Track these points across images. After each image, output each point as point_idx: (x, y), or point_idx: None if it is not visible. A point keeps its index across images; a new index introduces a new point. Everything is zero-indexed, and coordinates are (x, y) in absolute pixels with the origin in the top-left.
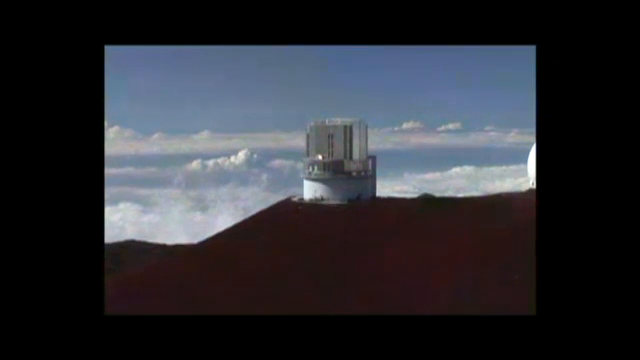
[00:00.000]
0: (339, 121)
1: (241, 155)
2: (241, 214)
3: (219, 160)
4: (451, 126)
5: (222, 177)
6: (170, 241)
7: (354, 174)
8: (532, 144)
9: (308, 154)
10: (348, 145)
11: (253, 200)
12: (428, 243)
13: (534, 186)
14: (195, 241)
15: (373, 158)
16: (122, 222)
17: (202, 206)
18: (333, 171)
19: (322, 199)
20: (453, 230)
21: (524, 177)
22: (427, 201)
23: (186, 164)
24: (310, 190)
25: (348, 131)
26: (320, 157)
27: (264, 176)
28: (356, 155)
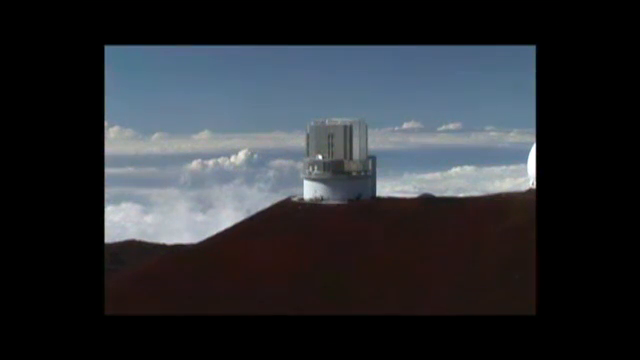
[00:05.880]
0: (339, 121)
1: (241, 155)
2: (244, 214)
3: (219, 160)
4: (451, 126)
5: (226, 176)
6: (173, 241)
7: (354, 174)
8: (532, 144)
9: (308, 154)
10: (348, 145)
11: (257, 199)
12: (428, 243)
13: (534, 186)
14: (197, 241)
15: (373, 158)
16: (124, 222)
17: (203, 206)
18: (333, 171)
19: (322, 199)
20: (453, 230)
21: (524, 177)
22: (427, 201)
23: (186, 164)
24: (310, 190)
25: (348, 131)
26: (320, 157)
27: (270, 173)
28: (356, 155)
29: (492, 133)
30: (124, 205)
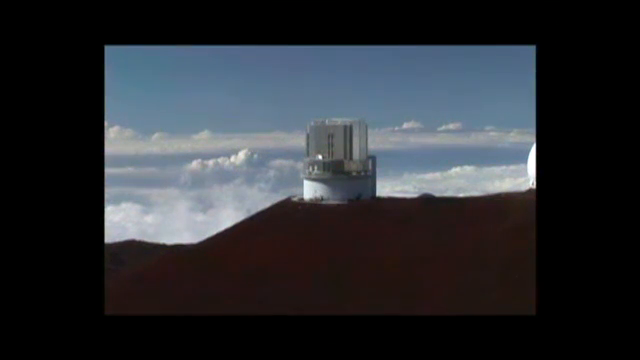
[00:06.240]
0: (339, 121)
1: (241, 155)
2: (244, 214)
3: (219, 160)
4: (451, 126)
5: (226, 176)
6: (173, 241)
7: (354, 174)
8: (532, 144)
9: (308, 154)
10: (348, 145)
11: (257, 199)
12: (428, 243)
13: (534, 186)
14: (197, 241)
15: (373, 158)
16: (124, 222)
17: (204, 206)
18: (333, 171)
19: (322, 199)
20: (453, 230)
21: (524, 177)
22: (427, 201)
23: (186, 164)
24: (310, 190)
25: (348, 131)
26: (320, 157)
27: (271, 173)
28: (356, 155)
29: (492, 133)
30: (124, 205)
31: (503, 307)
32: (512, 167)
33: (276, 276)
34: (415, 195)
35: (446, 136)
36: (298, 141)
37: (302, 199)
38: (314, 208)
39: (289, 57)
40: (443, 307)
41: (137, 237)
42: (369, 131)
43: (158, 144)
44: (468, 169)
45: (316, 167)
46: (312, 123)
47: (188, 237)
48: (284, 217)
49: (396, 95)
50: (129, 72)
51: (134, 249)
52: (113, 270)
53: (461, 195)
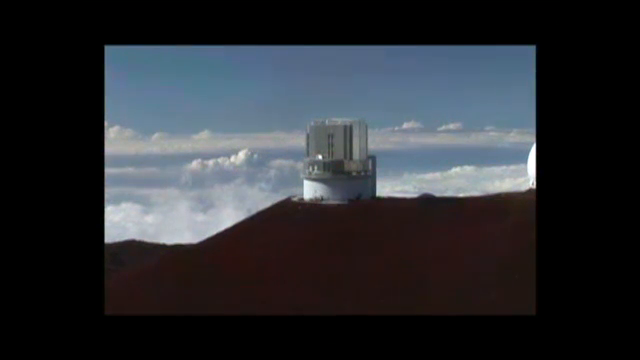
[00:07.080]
0: (339, 121)
1: (241, 155)
2: (244, 214)
3: (219, 160)
4: (451, 126)
5: (226, 176)
6: (173, 241)
7: (354, 174)
8: (532, 144)
9: (308, 154)
10: (348, 145)
11: (258, 199)
12: (428, 243)
13: (534, 186)
14: (197, 241)
15: (373, 158)
16: (124, 222)
17: (204, 206)
18: (333, 171)
19: (322, 199)
20: (453, 230)
21: (524, 177)
22: (427, 201)
23: (186, 164)
24: (310, 190)
25: (348, 131)
26: (320, 157)
27: (272, 173)
28: (356, 155)
29: (492, 133)
30: (124, 205)
31: (503, 307)
32: (512, 167)
33: (276, 276)
34: (415, 195)
35: (446, 136)
36: (298, 141)
37: (302, 199)
38: (314, 208)
39: (289, 57)
40: (443, 307)
41: (137, 237)
42: (369, 131)
43: (158, 144)
44: (468, 169)
45: (316, 167)
46: (312, 123)
47: (188, 237)
48: (284, 217)
49: (396, 95)
50: (129, 72)
51: (134, 249)
52: (113, 270)
53: (461, 195)
